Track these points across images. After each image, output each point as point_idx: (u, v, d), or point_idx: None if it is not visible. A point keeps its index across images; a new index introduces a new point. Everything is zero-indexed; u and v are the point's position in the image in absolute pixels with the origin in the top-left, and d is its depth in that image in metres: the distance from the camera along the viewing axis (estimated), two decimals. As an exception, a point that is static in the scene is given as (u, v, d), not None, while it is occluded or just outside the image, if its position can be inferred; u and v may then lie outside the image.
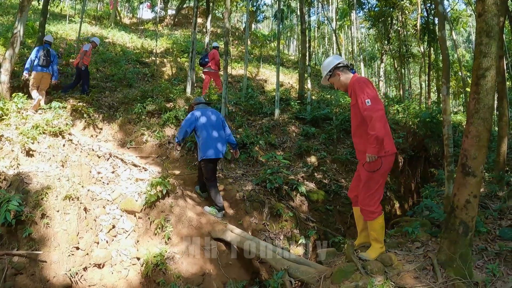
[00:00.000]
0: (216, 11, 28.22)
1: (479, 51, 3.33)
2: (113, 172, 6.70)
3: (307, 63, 13.57)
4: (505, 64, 7.82)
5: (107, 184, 6.32)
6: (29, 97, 8.38)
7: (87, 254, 4.84)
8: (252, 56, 21.78)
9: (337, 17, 24.73)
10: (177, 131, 6.47)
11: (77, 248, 4.76)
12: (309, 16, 19.73)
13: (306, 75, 13.19)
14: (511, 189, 5.98)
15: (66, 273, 4.43)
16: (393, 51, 21.94)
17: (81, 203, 5.16)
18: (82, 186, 5.64)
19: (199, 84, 13.35)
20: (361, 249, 4.19)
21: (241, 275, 5.28)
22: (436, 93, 22.15)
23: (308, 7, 16.63)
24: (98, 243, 5.11)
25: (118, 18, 28.09)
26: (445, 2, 19.98)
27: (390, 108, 14.21)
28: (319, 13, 27.68)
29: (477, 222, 3.92)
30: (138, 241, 5.38)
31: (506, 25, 11.48)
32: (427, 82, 20.35)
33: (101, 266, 4.92)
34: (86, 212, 5.19)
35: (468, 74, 20.30)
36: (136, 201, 5.71)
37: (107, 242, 5.21)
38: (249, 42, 20.39)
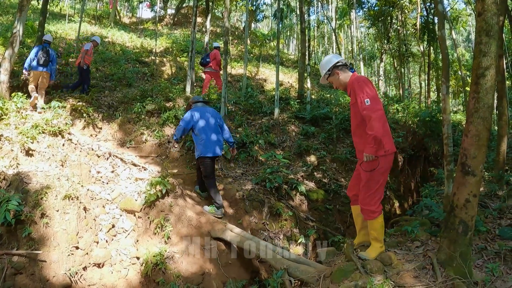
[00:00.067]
0: (216, 11, 28.19)
1: (479, 50, 3.32)
2: (112, 172, 6.70)
3: (307, 62, 13.55)
4: (504, 63, 7.82)
5: (107, 183, 6.32)
6: (29, 96, 8.38)
7: (87, 253, 4.84)
8: (251, 55, 21.75)
9: (336, 16, 24.72)
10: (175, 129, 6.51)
11: (77, 248, 4.76)
12: (309, 16, 19.75)
13: (305, 74, 13.18)
14: (511, 188, 5.99)
15: (65, 273, 4.43)
16: (393, 50, 21.92)
17: (80, 202, 5.16)
18: (82, 186, 5.64)
19: (198, 84, 13.34)
20: (361, 248, 4.19)
21: (240, 274, 5.28)
22: (435, 92, 22.15)
23: (307, 6, 16.63)
24: (97, 242, 5.11)
25: (118, 17, 28.05)
26: (445, 1, 19.99)
27: (390, 108, 14.22)
28: (318, 12, 27.70)
29: (477, 221, 3.93)
30: (137, 241, 5.38)
31: (506, 24, 11.46)
32: (426, 81, 20.35)
33: (100, 266, 4.92)
34: (85, 212, 5.19)
35: (468, 73, 20.28)
36: (136, 200, 5.71)
37: (106, 241, 5.22)
38: (248, 42, 20.36)
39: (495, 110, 10.51)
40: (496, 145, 6.73)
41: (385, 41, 21.04)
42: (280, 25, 18.82)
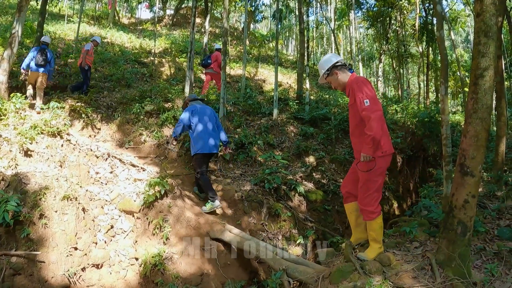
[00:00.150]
0: (215, 11, 28.21)
1: (478, 51, 3.33)
2: (111, 172, 6.69)
3: (306, 63, 13.57)
4: (503, 64, 7.84)
5: (106, 184, 6.31)
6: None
7: (86, 254, 4.84)
8: (250, 56, 21.75)
9: (335, 17, 24.70)
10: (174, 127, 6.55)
11: (76, 249, 4.75)
12: (308, 16, 19.78)
13: (304, 75, 13.19)
14: (510, 189, 5.98)
15: (64, 274, 4.43)
16: (392, 51, 21.97)
17: (79, 203, 5.15)
18: (80, 187, 5.64)
19: (197, 84, 13.34)
20: (360, 248, 4.19)
21: (239, 275, 5.28)
22: (434, 93, 22.20)
23: (306, 7, 16.66)
24: (96, 243, 5.10)
25: (117, 18, 28.05)
26: (444, 2, 20.03)
27: (389, 108, 14.23)
28: (317, 13, 27.68)
29: (476, 222, 3.92)
30: (136, 241, 5.38)
31: (505, 25, 11.49)
32: (425, 82, 20.39)
33: (99, 267, 4.92)
34: (84, 213, 5.19)
35: (467, 74, 20.32)
36: (135, 201, 5.71)
37: (105, 242, 5.21)
38: (247, 42, 20.37)
39: (493, 110, 10.54)
40: (495, 146, 6.73)
41: (384, 41, 21.07)
42: (279, 26, 18.85)
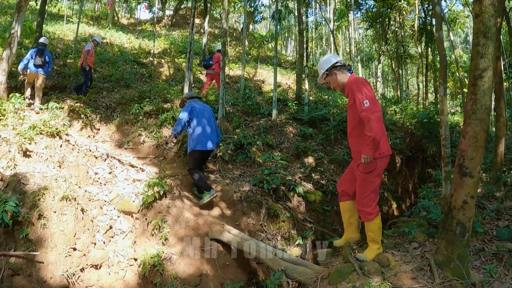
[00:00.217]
0: (214, 12, 28.24)
1: (476, 52, 3.33)
2: (110, 173, 6.69)
3: (305, 64, 13.57)
4: (502, 65, 7.84)
5: (104, 184, 6.31)
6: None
7: (84, 255, 4.83)
8: (249, 56, 21.76)
9: (334, 18, 24.75)
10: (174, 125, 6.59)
11: (74, 249, 4.75)
12: (307, 17, 19.77)
13: (303, 75, 13.19)
14: (509, 190, 5.99)
15: (63, 274, 4.42)
16: (391, 52, 22.00)
17: (78, 203, 5.15)
18: (79, 187, 5.64)
19: (196, 85, 13.33)
20: (359, 249, 4.19)
21: (238, 275, 5.28)
22: (433, 93, 22.23)
23: (305, 8, 16.64)
24: (95, 244, 5.10)
25: (116, 18, 28.04)
26: (443, 3, 20.07)
27: (388, 109, 14.23)
28: (316, 14, 27.75)
29: (474, 222, 3.93)
30: (135, 242, 5.37)
31: (504, 26, 11.50)
32: (424, 83, 20.40)
33: (98, 267, 4.92)
34: (83, 213, 5.18)
35: (466, 75, 20.34)
36: (133, 201, 5.71)
37: (104, 243, 5.21)
38: (246, 43, 20.39)
39: (492, 111, 10.55)
40: (494, 147, 6.73)
41: (383, 42, 21.09)
42: (278, 27, 18.84)
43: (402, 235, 4.61)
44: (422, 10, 18.73)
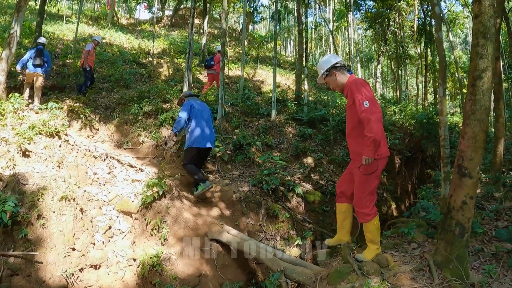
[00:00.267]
0: (213, 12, 28.23)
1: (476, 52, 3.33)
2: (109, 173, 6.69)
3: (304, 64, 13.58)
4: (501, 65, 7.85)
5: (104, 185, 6.30)
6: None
7: (83, 255, 4.83)
8: (249, 57, 21.76)
9: (334, 18, 24.79)
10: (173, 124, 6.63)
11: (73, 249, 4.74)
12: (306, 17, 19.72)
13: (303, 76, 13.20)
14: (508, 190, 5.99)
15: (62, 274, 4.42)
16: (390, 52, 22.01)
17: (77, 204, 5.15)
18: (79, 187, 5.63)
19: (196, 85, 13.34)
20: (358, 250, 4.19)
21: (237, 276, 5.27)
22: (432, 94, 22.25)
23: (305, 8, 16.63)
24: (94, 244, 5.09)
25: (115, 18, 28.03)
26: (442, 4, 20.08)
27: (387, 109, 14.24)
28: (316, 14, 27.80)
29: (474, 223, 3.93)
30: (134, 242, 5.37)
31: (503, 26, 11.53)
32: (423, 83, 20.43)
33: (97, 267, 4.91)
34: (82, 213, 5.18)
35: (465, 76, 20.39)
36: (133, 202, 5.70)
37: (103, 243, 5.20)
38: (246, 43, 20.38)
39: (492, 112, 10.56)
40: (493, 147, 6.75)
41: (383, 43, 21.13)
42: (278, 27, 18.86)
43: (401, 235, 4.61)
44: (421, 11, 18.76)
